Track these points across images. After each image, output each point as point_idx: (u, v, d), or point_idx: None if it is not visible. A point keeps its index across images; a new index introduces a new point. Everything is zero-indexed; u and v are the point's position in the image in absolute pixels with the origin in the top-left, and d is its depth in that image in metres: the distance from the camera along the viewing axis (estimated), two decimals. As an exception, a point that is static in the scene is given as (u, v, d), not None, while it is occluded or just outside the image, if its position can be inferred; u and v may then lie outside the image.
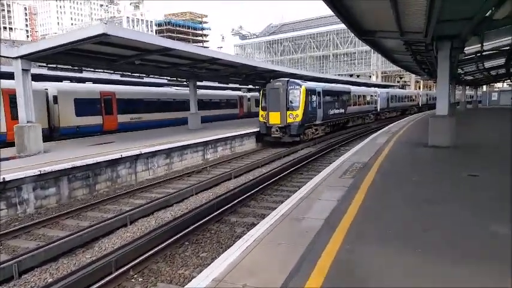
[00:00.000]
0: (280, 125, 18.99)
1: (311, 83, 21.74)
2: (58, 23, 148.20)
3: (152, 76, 20.59)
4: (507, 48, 15.63)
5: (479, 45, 13.35)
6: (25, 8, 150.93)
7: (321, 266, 3.55)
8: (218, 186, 11.36)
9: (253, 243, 4.21)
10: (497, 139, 13.79)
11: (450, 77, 11.63)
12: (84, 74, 22.43)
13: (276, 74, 22.26)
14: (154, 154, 13.42)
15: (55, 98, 18.01)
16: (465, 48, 12.29)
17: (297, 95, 19.07)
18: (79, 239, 7.15)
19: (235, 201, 8.96)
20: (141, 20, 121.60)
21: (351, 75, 54.84)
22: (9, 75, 13.53)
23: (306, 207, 5.53)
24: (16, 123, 12.56)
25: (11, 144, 13.41)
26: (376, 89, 35.97)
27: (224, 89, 34.97)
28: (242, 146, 19.35)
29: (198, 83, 26.66)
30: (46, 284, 5.39)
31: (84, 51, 13.23)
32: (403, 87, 61.70)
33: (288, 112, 18.93)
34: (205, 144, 16.43)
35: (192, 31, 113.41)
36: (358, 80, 43.08)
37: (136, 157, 12.69)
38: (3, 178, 8.65)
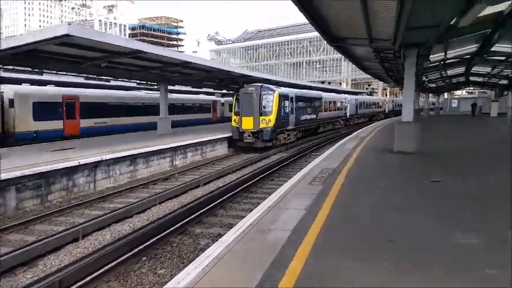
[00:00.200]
0: (252, 130, 18.63)
1: (284, 88, 21.60)
2: (25, 24, 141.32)
3: (121, 80, 19.67)
4: (468, 57, 16.23)
5: (443, 53, 13.76)
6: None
7: (284, 285, 3.23)
8: (185, 195, 10.74)
9: (214, 260, 3.80)
10: (457, 145, 14.14)
11: (416, 84, 11.81)
12: (48, 77, 21.25)
13: (250, 79, 21.93)
14: (116, 161, 12.59)
15: (11, 101, 16.72)
16: (430, 56, 12.57)
17: (270, 100, 18.82)
18: (21, 257, 6.35)
19: (202, 211, 8.41)
20: (114, 23, 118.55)
21: (323, 82, 55.80)
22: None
23: (274, 217, 5.21)
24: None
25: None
26: (346, 95, 36.56)
27: (197, 94, 34.25)
28: (214, 151, 18.77)
29: (171, 87, 25.92)
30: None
31: (47, 52, 12.32)
32: (371, 94, 63.44)
33: (261, 117, 18.62)
34: (174, 150, 15.72)
35: (167, 35, 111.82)
36: (329, 86, 43.75)
37: (96, 164, 11.82)
38: None
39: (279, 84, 23.28)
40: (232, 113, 20.03)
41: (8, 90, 16.76)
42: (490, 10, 8.53)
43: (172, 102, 26.39)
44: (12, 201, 9.29)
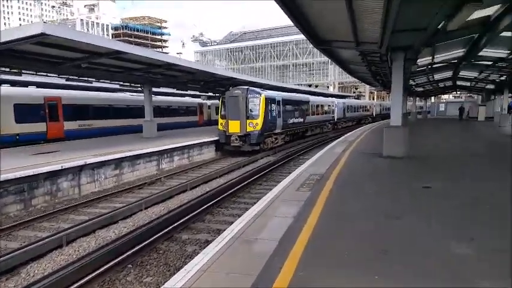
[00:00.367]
0: (239, 134, 18.57)
1: (271, 91, 21.64)
2: (5, 23, 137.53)
3: (103, 81, 19.36)
4: (455, 61, 16.49)
5: (431, 57, 13.90)
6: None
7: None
8: (171, 200, 10.63)
9: (197, 273, 3.65)
10: (446, 149, 14.29)
11: (404, 88, 11.89)
12: (31, 78, 20.71)
13: (236, 82, 21.89)
14: (101, 165, 12.38)
15: (-10, 103, 16.24)
16: (418, 60, 12.68)
17: (257, 104, 18.79)
18: (3, 265, 6.16)
19: (189, 216, 8.33)
20: (97, 23, 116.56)
21: (310, 85, 56.11)
22: None
23: (260, 226, 5.08)
24: None
25: None
26: (333, 99, 36.84)
27: (183, 96, 33.99)
28: (201, 155, 18.65)
29: (156, 89, 25.62)
30: None
31: (24, 52, 12.00)
32: (358, 97, 64.04)
33: (248, 121, 18.58)
34: (160, 153, 15.55)
35: (151, 36, 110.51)
36: (316, 90, 43.99)
37: (81, 168, 11.59)
38: None
39: (265, 87, 23.29)
40: (219, 116, 19.95)
41: (-12, 92, 16.29)
42: (477, 14, 8.59)
43: (157, 104, 26.13)
44: (-7, 206, 9.02)
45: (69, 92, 20.52)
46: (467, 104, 43.42)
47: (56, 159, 11.79)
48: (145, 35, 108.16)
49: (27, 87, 19.55)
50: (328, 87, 73.05)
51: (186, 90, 29.11)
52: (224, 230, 5.37)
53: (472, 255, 4.06)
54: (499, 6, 8.43)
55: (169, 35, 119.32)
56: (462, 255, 4.04)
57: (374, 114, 50.45)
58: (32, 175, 10.08)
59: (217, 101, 22.05)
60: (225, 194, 10.34)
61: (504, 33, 10.03)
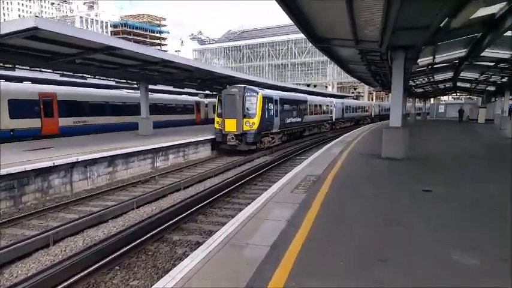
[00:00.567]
0: (236, 133, 18.36)
1: (268, 90, 21.41)
2: (4, 20, 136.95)
3: (99, 78, 19.12)
4: (456, 61, 16.25)
5: (432, 57, 13.64)
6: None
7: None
8: (164, 199, 10.42)
9: (182, 280, 3.43)
10: (446, 152, 14.04)
11: (404, 88, 11.66)
12: (26, 73, 20.49)
13: (233, 80, 21.67)
14: (94, 162, 12.16)
15: (-15, 98, 16.03)
16: (418, 60, 12.44)
17: (254, 102, 18.58)
18: (-14, 265, 5.97)
19: (181, 216, 8.13)
20: (96, 20, 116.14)
21: (308, 85, 55.89)
22: None
23: (252, 230, 4.83)
24: None
25: None
26: (332, 99, 36.66)
27: (181, 94, 33.77)
28: (196, 153, 18.43)
29: (153, 87, 25.41)
30: None
31: (17, 47, 11.77)
32: (357, 98, 63.96)
33: (245, 119, 18.36)
34: (155, 151, 15.33)
35: (150, 34, 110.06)
36: (314, 89, 43.85)
37: (73, 165, 11.37)
38: None
39: (263, 86, 23.08)
40: (215, 115, 19.73)
41: (-18, 87, 16.06)
42: (481, 12, 8.32)
43: (154, 102, 25.93)
44: (-19, 203, 8.81)
45: (64, 88, 20.32)
46: (467, 106, 43.15)
47: (48, 156, 11.58)
48: (144, 32, 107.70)
49: (22, 82, 19.35)
50: (326, 87, 72.78)
51: (183, 88, 28.88)
52: (216, 232, 5.18)
53: (475, 264, 3.83)
54: (504, 4, 8.19)
55: (168, 33, 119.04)
56: (465, 265, 3.81)
57: (373, 115, 50.27)
58: (23, 171, 9.89)
59: (215, 99, 21.87)
60: (219, 194, 10.14)
61: (508, 33, 9.79)
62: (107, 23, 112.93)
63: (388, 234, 4.74)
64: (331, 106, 34.42)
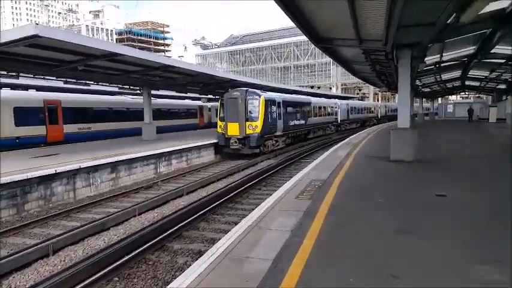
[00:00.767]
0: (239, 137, 18.23)
1: (271, 93, 21.29)
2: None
3: (102, 84, 19.17)
4: (465, 59, 15.84)
5: (439, 55, 13.25)
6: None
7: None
8: (166, 205, 10.31)
9: None
10: (457, 153, 13.52)
11: (411, 88, 11.36)
12: (30, 81, 20.60)
13: (235, 84, 21.60)
14: (97, 168, 12.11)
15: (-9, 106, 16.12)
16: (425, 58, 12.11)
17: (256, 106, 18.44)
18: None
19: (182, 224, 8.00)
20: (101, 28, 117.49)
21: (312, 87, 55.59)
22: None
23: (253, 241, 4.54)
24: None
25: None
26: (336, 100, 36.36)
27: (183, 99, 33.80)
28: (200, 158, 18.34)
29: (156, 92, 25.41)
30: None
31: (19, 55, 11.82)
32: (362, 99, 63.49)
33: (247, 123, 18.23)
34: (158, 156, 15.27)
35: (154, 40, 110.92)
36: (318, 91, 43.56)
37: (75, 172, 11.33)
38: None
39: (265, 89, 22.97)
40: (218, 119, 19.64)
41: (-12, 95, 16.15)
42: (491, 7, 7.99)
43: (157, 107, 25.97)
44: (-16, 212, 8.78)
45: (68, 95, 20.46)
46: (477, 105, 42.26)
47: (53, 163, 11.57)
48: (148, 39, 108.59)
49: (27, 90, 19.48)
50: (330, 88, 72.42)
51: (186, 93, 28.88)
52: (218, 240, 5.04)
53: (501, 281, 3.44)
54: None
55: (172, 39, 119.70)
56: (489, 281, 3.43)
57: (379, 116, 49.73)
58: (25, 179, 9.86)
59: (218, 103, 21.81)
60: (222, 200, 10.00)
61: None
62: (112, 30, 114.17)
63: (400, 246, 4.37)
64: (335, 108, 34.13)
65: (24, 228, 8.55)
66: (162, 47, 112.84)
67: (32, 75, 15.59)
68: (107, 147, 16.21)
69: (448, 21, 8.28)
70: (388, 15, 7.08)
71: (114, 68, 15.04)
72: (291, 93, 27.56)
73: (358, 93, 68.20)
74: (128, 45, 70.91)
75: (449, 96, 59.63)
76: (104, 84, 19.13)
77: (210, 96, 31.34)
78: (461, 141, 18.13)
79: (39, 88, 20.55)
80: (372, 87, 60.57)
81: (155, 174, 14.97)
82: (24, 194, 9.95)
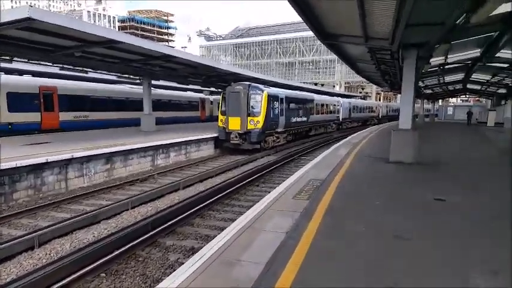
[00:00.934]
0: (240, 131, 17.87)
1: (274, 88, 20.87)
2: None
3: (101, 72, 18.76)
4: (469, 62, 15.55)
5: (444, 57, 12.96)
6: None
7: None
8: (161, 199, 9.95)
9: None
10: (457, 155, 13.40)
11: (415, 89, 11.02)
12: (27, 67, 20.20)
13: (238, 77, 21.18)
14: (90, 159, 11.75)
15: (-17, 90, 15.73)
16: (431, 60, 11.80)
17: (259, 101, 18.05)
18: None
19: (177, 219, 7.66)
20: (103, 15, 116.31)
21: (316, 84, 55.13)
22: None
23: (246, 243, 4.27)
24: None
25: None
26: (339, 98, 35.97)
27: (185, 90, 33.37)
28: (199, 151, 17.98)
29: (157, 83, 25.00)
30: None
31: (12, 38, 11.38)
32: (364, 98, 62.96)
33: (249, 118, 17.86)
34: (155, 148, 14.90)
35: (157, 29, 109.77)
36: (321, 88, 43.04)
37: (68, 162, 10.97)
38: None
39: (269, 84, 22.54)
40: (219, 112, 19.26)
41: (-20, 79, 15.77)
42: (502, 9, 7.71)
43: (159, 98, 25.55)
44: (-31, 200, 8.44)
45: (65, 82, 19.99)
46: (476, 108, 42.07)
47: (45, 151, 11.21)
48: (151, 28, 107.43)
49: (22, 75, 19.06)
50: (334, 86, 71.95)
51: (188, 85, 28.48)
52: (213, 237, 4.72)
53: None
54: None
55: (176, 29, 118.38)
56: None
57: (380, 116, 49.40)
58: (14, 167, 9.50)
59: (220, 96, 21.39)
60: (219, 196, 9.66)
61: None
62: (114, 17, 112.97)
63: (398, 254, 4.14)
64: (338, 106, 33.76)
65: (11, 218, 8.21)
66: (165, 37, 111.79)
67: (26, 60, 15.18)
68: (103, 136, 15.86)
69: (457, 22, 7.95)
70: (397, 12, 6.75)
71: (112, 55, 14.61)
72: (294, 89, 27.15)
73: (361, 92, 67.63)
74: (130, 33, 70.21)
75: (450, 99, 59.32)
76: (102, 72, 18.70)
77: (212, 89, 30.95)
78: (460, 144, 17.95)
79: (36, 74, 20.13)
80: (374, 86, 60.12)
81: (152, 167, 14.61)
82: (13, 182, 9.60)
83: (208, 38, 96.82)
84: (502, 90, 28.67)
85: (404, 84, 10.65)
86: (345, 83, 75.24)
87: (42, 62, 15.82)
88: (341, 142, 17.59)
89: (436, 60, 13.76)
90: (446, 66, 15.91)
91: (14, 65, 19.45)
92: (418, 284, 3.42)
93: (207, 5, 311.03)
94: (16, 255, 6.22)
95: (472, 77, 22.12)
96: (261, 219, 5.18)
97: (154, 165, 14.82)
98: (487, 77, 22.32)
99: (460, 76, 21.98)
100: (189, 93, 32.97)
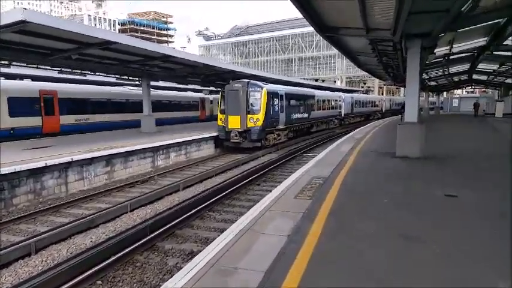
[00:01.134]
0: (239, 130, 17.70)
1: (273, 85, 20.67)
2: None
3: (100, 74, 18.64)
4: (475, 52, 15.19)
5: (449, 47, 12.63)
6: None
7: None
8: (161, 201, 9.83)
9: None
10: (465, 149, 12.85)
11: (420, 80, 10.73)
12: (26, 71, 20.13)
13: (237, 75, 20.98)
14: (90, 161, 11.65)
15: (-16, 96, 15.70)
16: (435, 49, 11.48)
17: (258, 98, 17.86)
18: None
19: (176, 221, 7.52)
20: (104, 18, 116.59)
21: (316, 80, 54.77)
22: None
23: (245, 248, 4.02)
24: None
25: None
26: (340, 93, 35.65)
27: (185, 91, 33.25)
28: (199, 151, 17.85)
29: (156, 83, 24.87)
30: None
31: (8, 42, 11.27)
32: (366, 92, 62.49)
33: (249, 116, 17.69)
34: (155, 149, 14.79)
35: (157, 31, 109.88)
36: (322, 84, 42.70)
37: (67, 165, 10.87)
38: None
39: (268, 80, 22.29)
40: (218, 111, 19.10)
41: (-19, 85, 15.73)
42: None
43: (158, 99, 25.47)
44: (-32, 206, 8.36)
45: (65, 85, 19.97)
46: (483, 99, 41.42)
47: (46, 155, 11.13)
48: (151, 30, 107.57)
49: (22, 80, 19.01)
50: (335, 81, 71.45)
51: (187, 84, 28.31)
52: (213, 240, 4.54)
53: None
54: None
55: (175, 30, 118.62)
56: None
57: (383, 110, 49.02)
58: (14, 172, 9.42)
59: (219, 95, 21.19)
60: (219, 196, 9.51)
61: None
62: (114, 20, 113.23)
63: (408, 257, 3.84)
64: (339, 101, 33.46)
65: (10, 223, 8.14)
66: (165, 38, 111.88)
67: (24, 65, 15.09)
68: (104, 139, 15.77)
69: (463, 9, 7.68)
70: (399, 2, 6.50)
71: (110, 57, 14.47)
72: (294, 86, 26.91)
73: (362, 87, 67.10)
74: (130, 35, 70.16)
75: (455, 91, 58.64)
76: (101, 74, 18.58)
77: (211, 88, 30.74)
78: (468, 137, 17.43)
79: (35, 78, 20.08)
80: (376, 80, 59.63)
81: (152, 168, 14.50)
82: (13, 187, 9.52)
83: (207, 38, 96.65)
84: (510, 80, 28.10)
85: (408, 75, 10.36)
86: (346, 78, 74.71)
87: (40, 66, 15.68)
88: (344, 138, 17.36)
89: (440, 50, 13.45)
90: (451, 57, 15.56)
91: (13, 70, 19.42)
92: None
93: (206, 5, 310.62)
94: (12, 263, 6.12)
95: (478, 67, 21.68)
96: (262, 220, 4.97)
97: (155, 166, 14.71)
98: (494, 67, 21.83)
99: (465, 66, 21.57)
100: (188, 93, 32.87)
